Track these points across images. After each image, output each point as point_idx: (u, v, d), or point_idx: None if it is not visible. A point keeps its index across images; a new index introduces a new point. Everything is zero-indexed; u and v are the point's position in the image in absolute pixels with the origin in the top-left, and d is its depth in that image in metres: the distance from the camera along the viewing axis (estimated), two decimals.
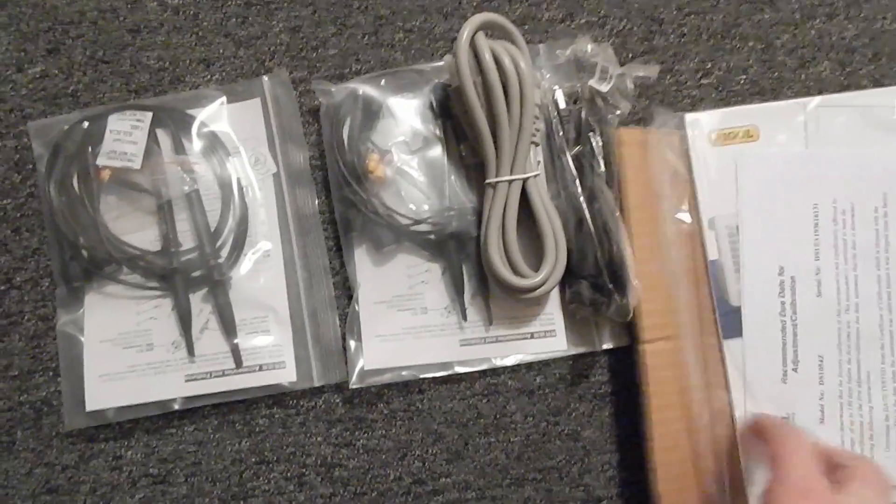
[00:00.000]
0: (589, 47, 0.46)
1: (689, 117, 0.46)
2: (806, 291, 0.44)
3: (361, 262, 0.46)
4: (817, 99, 0.46)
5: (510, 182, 0.44)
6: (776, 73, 0.49)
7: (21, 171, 0.47)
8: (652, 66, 0.46)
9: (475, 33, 0.42)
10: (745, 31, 0.49)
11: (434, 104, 0.47)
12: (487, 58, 0.42)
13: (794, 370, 0.44)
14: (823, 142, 0.45)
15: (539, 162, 0.46)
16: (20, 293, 0.47)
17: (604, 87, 0.45)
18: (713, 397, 0.44)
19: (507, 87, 0.42)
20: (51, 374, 0.46)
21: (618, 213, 0.44)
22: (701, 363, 0.44)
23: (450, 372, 0.45)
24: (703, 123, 0.46)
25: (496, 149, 0.44)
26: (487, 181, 0.44)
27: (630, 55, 0.49)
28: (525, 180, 0.44)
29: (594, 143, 0.45)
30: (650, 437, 0.43)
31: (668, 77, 0.49)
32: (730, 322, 0.44)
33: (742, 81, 0.49)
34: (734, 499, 0.42)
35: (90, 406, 0.45)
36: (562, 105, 0.46)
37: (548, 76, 0.47)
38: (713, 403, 0.44)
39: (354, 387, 0.45)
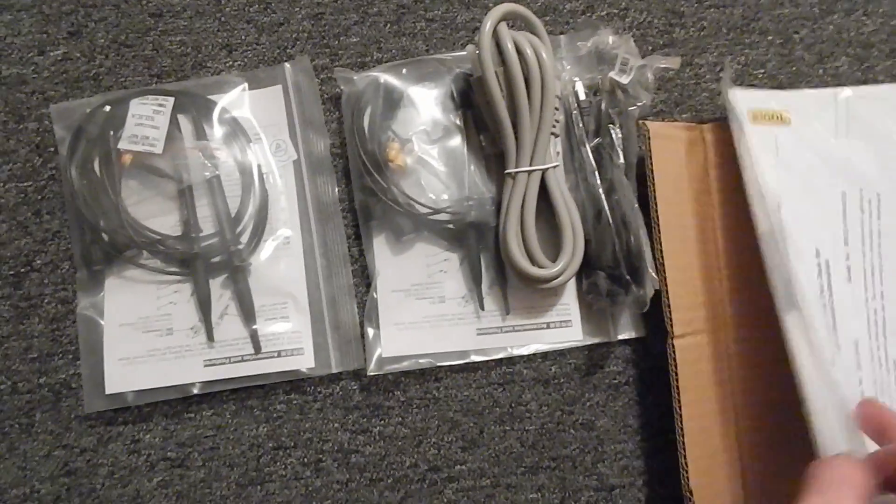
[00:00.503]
0: (610, 39, 0.46)
1: (736, 92, 0.45)
2: (838, 276, 0.44)
3: (380, 250, 0.47)
4: (848, 90, 0.46)
5: (529, 173, 0.44)
6: (794, 68, 0.49)
7: (42, 154, 0.48)
8: (673, 57, 0.46)
9: (498, 23, 0.42)
10: (765, 26, 0.49)
11: (455, 94, 0.47)
12: (510, 48, 0.42)
13: (838, 353, 0.43)
14: (852, 132, 0.46)
15: (558, 153, 0.46)
16: (40, 276, 0.47)
17: (624, 79, 0.45)
18: (747, 389, 0.44)
19: (528, 77, 0.43)
20: (70, 356, 0.46)
21: (636, 206, 0.44)
22: (734, 355, 0.44)
23: (466, 360, 0.46)
24: (745, 100, 0.45)
25: (516, 139, 0.44)
26: (507, 171, 0.44)
27: (650, 48, 0.49)
28: (544, 171, 0.44)
29: (614, 135, 0.45)
30: (681, 433, 0.42)
31: (688, 70, 0.49)
32: (786, 294, 0.41)
33: (761, 75, 0.49)
34: (765, 495, 0.42)
35: (109, 389, 0.45)
36: (582, 97, 0.46)
37: (568, 67, 0.47)
38: (745, 396, 0.44)
39: (372, 374, 0.45)
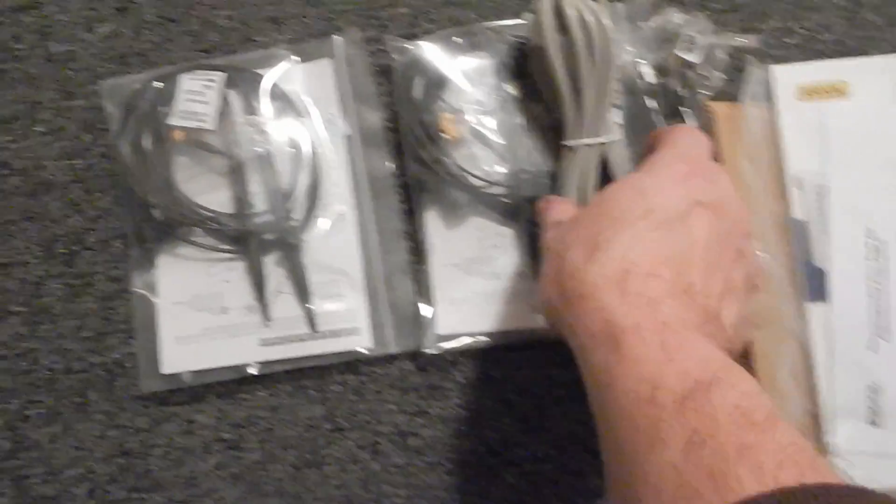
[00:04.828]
0: (675, 17, 0.45)
1: (776, 70, 0.44)
2: None
3: (433, 224, 0.45)
4: None
5: (589, 145, 0.43)
6: (863, 32, 0.47)
7: (92, 131, 0.47)
8: (750, 35, 0.44)
9: None
10: None
11: (509, 63, 0.46)
12: (572, 15, 0.40)
13: (886, 340, 0.42)
14: None
15: (620, 126, 0.45)
16: (92, 254, 0.46)
17: (695, 58, 0.44)
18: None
19: (590, 45, 0.41)
20: (123, 335, 0.46)
21: None
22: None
23: (524, 339, 0.45)
24: (789, 77, 0.44)
25: (577, 110, 0.42)
26: (565, 143, 0.43)
27: (709, 14, 0.47)
28: (605, 144, 0.43)
29: (687, 120, 0.44)
30: None
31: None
32: (814, 284, 0.42)
33: (827, 40, 0.47)
34: None
35: (166, 369, 0.44)
36: (649, 78, 0.45)
37: (629, 49, 0.45)
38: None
39: (427, 351, 0.44)
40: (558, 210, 0.39)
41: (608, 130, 0.43)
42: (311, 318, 0.44)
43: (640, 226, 0.32)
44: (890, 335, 0.42)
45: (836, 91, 0.45)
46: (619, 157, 0.43)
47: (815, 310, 0.42)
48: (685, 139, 0.37)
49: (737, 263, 0.34)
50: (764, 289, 0.41)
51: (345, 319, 0.45)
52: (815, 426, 0.42)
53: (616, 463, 0.29)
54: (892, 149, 0.44)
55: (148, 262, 0.45)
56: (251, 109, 0.45)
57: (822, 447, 0.41)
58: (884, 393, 0.42)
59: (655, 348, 0.29)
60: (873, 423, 0.42)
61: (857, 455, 0.42)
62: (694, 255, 0.32)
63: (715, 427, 0.26)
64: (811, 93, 0.45)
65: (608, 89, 0.42)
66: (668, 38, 0.45)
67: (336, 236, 0.45)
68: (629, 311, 0.30)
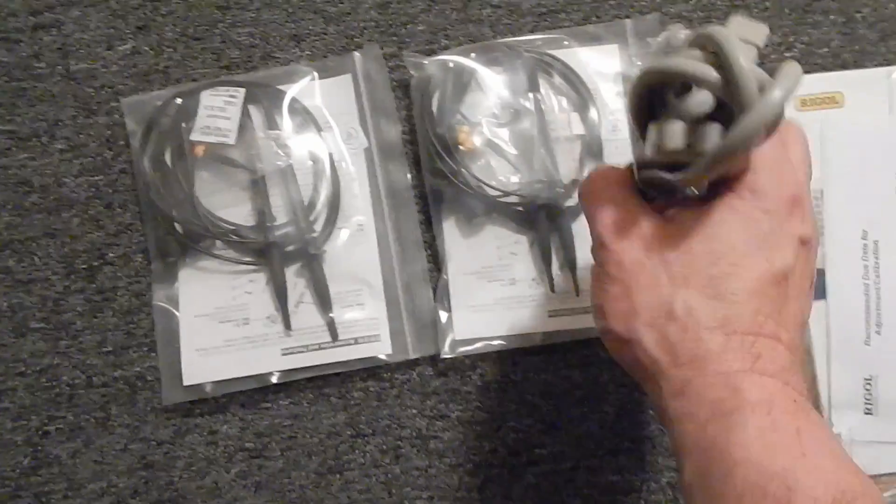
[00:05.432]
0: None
1: None
2: (890, 255, 0.45)
3: (451, 233, 0.47)
4: None
5: None
6: (858, 46, 0.49)
7: (113, 148, 0.48)
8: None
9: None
10: (827, 6, 0.50)
11: (523, 77, 0.47)
12: None
13: (878, 332, 0.44)
14: None
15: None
16: (113, 269, 0.47)
17: None
18: None
19: None
20: (145, 349, 0.46)
21: None
22: None
23: (539, 343, 0.46)
24: None
25: None
26: None
27: None
28: None
29: None
30: None
31: None
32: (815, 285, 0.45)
33: (825, 54, 0.49)
34: None
35: (187, 380, 0.45)
36: None
37: (639, 64, 0.47)
38: None
39: (446, 357, 0.45)
40: (620, 200, 0.31)
41: None
42: (332, 326, 0.45)
43: (763, 278, 0.28)
44: (881, 327, 0.44)
45: (832, 101, 0.48)
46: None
47: (813, 308, 0.44)
48: (797, 150, 0.31)
49: (812, 288, 0.31)
50: None
51: (365, 327, 0.45)
52: None
53: None
54: (884, 155, 0.47)
55: (170, 275, 0.46)
56: (272, 124, 0.47)
57: None
58: (878, 383, 0.44)
59: (790, 436, 0.25)
60: (870, 412, 0.44)
61: (856, 445, 0.44)
62: (798, 308, 0.29)
63: None
64: (809, 103, 0.48)
65: None
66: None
67: (356, 247, 0.46)
68: (761, 383, 0.26)
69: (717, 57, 0.27)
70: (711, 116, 0.28)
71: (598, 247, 0.31)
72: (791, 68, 0.27)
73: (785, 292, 0.28)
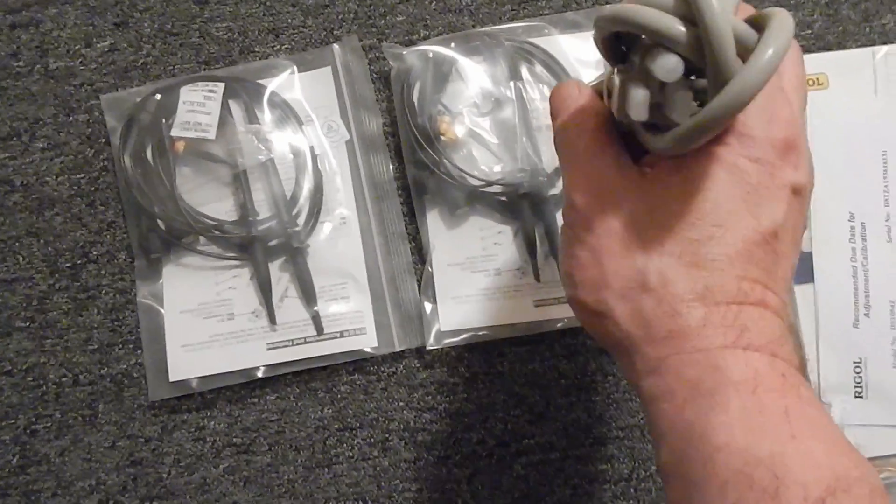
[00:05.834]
0: None
1: None
2: (877, 237, 0.45)
3: (434, 224, 0.46)
4: (885, 48, 0.48)
5: None
6: (841, 27, 0.49)
7: (93, 146, 0.47)
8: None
9: None
10: None
11: (503, 65, 0.47)
12: None
13: (866, 315, 0.44)
14: (891, 90, 0.47)
15: None
16: (97, 267, 0.47)
17: None
18: None
19: None
20: (130, 346, 0.46)
21: None
22: None
23: (525, 333, 0.46)
24: None
25: None
26: None
27: None
28: None
29: None
30: None
31: None
32: (801, 267, 0.44)
33: (808, 36, 0.49)
34: None
35: (173, 376, 0.45)
36: None
37: None
38: None
39: (432, 348, 0.45)
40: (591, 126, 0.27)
41: None
42: (317, 320, 0.45)
43: (749, 238, 0.25)
44: (869, 309, 0.44)
45: (816, 83, 0.47)
46: None
47: (802, 291, 0.44)
48: (791, 74, 0.28)
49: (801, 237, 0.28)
50: None
51: (350, 320, 0.45)
52: None
53: None
54: (870, 136, 0.46)
55: (154, 272, 0.46)
56: (253, 119, 0.46)
57: None
58: (868, 366, 0.44)
59: (777, 417, 0.23)
60: (860, 395, 0.44)
61: (847, 428, 0.44)
62: (789, 265, 0.26)
63: None
64: None
65: None
66: None
67: (340, 240, 0.46)
68: (745, 359, 0.23)
69: (688, 6, 0.21)
70: (688, 71, 0.23)
71: (567, 206, 0.28)
72: (782, 20, 0.22)
73: (774, 250, 0.25)
